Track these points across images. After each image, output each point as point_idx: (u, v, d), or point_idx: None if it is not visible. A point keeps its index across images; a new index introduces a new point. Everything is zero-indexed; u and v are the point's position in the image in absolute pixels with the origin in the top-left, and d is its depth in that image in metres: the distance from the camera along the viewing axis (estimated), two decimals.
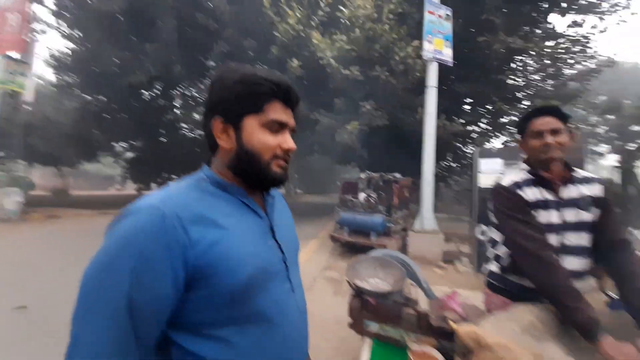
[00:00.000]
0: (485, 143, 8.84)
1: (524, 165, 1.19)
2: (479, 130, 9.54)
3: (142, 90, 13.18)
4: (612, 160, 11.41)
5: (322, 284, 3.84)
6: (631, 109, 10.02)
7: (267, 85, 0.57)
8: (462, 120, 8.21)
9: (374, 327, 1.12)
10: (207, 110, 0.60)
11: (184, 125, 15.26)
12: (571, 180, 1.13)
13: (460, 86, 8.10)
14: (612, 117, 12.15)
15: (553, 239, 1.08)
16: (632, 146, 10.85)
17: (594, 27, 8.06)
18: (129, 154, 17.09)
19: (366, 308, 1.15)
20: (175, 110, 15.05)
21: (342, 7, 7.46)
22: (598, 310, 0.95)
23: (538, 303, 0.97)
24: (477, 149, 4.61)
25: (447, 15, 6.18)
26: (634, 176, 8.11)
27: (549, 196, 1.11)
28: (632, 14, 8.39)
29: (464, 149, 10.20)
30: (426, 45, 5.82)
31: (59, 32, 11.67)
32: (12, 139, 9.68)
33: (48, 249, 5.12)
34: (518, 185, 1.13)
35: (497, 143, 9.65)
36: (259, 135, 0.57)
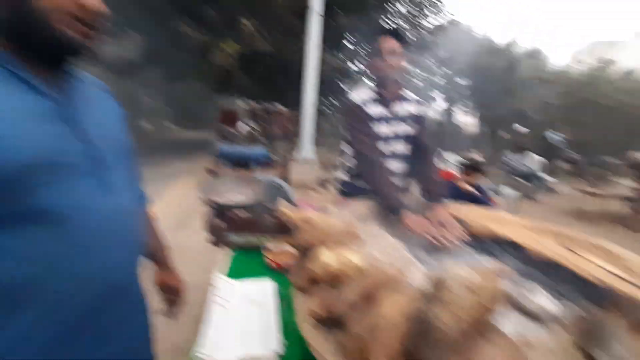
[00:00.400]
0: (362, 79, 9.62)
1: (370, 84, 1.37)
2: (356, 70, 10.17)
3: None
4: (441, 103, 14.97)
5: (198, 219, 3.61)
6: (459, 64, 13.00)
7: None
8: (342, 56, 8.47)
9: (233, 238, 1.15)
10: None
11: None
12: (402, 98, 1.35)
13: (342, 19, 8.08)
14: (446, 70, 15.41)
15: (384, 147, 1.31)
16: (454, 92, 14.41)
17: None
18: None
19: (225, 222, 1.16)
20: None
21: None
22: (410, 197, 1.37)
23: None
24: (351, 90, 4.95)
25: None
26: (452, 115, 10.95)
27: (385, 111, 1.32)
28: None
29: (346, 87, 10.81)
30: None
31: None
32: None
33: None
34: (364, 101, 1.31)
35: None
36: None
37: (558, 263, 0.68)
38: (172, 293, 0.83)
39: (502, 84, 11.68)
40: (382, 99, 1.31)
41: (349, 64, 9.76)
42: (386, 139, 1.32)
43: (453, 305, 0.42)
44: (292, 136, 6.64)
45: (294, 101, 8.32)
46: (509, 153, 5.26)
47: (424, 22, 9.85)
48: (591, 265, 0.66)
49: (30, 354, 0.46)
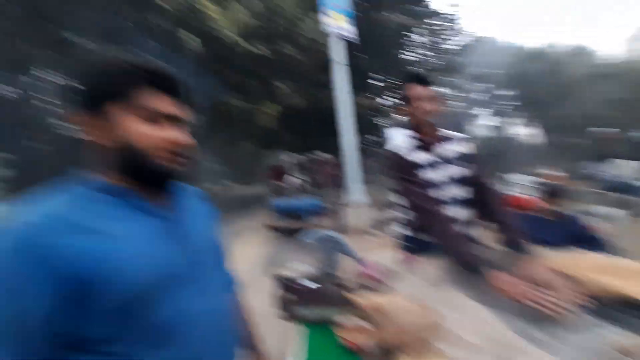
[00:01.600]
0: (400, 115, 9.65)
1: (406, 130, 1.30)
2: (390, 104, 10.29)
3: None
4: (485, 119, 14.10)
5: (263, 277, 3.70)
6: (495, 76, 12.46)
7: (131, 69, 0.51)
8: (370, 95, 8.71)
9: (304, 312, 1.11)
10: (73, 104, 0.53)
11: (56, 121, 12.09)
12: (444, 139, 1.27)
13: (364, 62, 8.48)
14: (481, 84, 14.81)
15: (436, 194, 1.20)
16: (501, 105, 13.58)
17: (454, 5, 9.37)
18: None
19: (294, 296, 1.14)
20: (38, 103, 11.71)
21: None
22: (489, 250, 1.15)
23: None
24: (390, 123, 4.99)
25: None
26: (504, 131, 10.17)
27: (428, 156, 1.23)
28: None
29: (383, 123, 10.92)
30: (325, 19, 5.74)
31: None
32: None
33: None
34: (401, 148, 1.24)
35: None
36: (136, 126, 0.51)
37: None
38: None
39: (551, 87, 10.77)
40: (423, 144, 1.24)
41: (379, 99, 9.95)
42: (438, 185, 1.21)
43: None
44: (339, 181, 6.75)
45: (336, 147, 8.63)
46: (588, 163, 4.52)
47: (446, 46, 9.82)
48: None
49: None
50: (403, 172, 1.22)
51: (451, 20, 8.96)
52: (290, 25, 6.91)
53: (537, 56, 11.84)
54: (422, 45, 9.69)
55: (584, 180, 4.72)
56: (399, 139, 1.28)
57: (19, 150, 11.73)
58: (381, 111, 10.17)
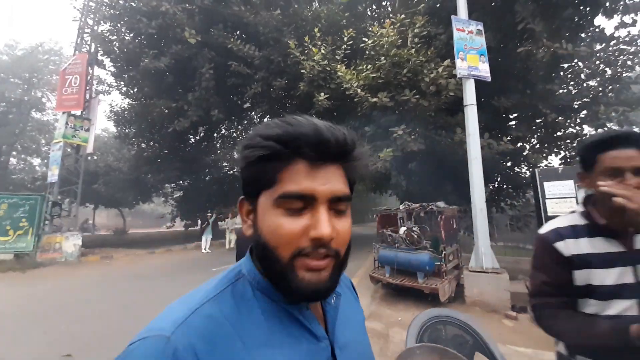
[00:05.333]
0: (542, 161, 7.81)
1: (579, 206, 0.96)
2: (529, 147, 8.56)
3: (189, 135, 14.52)
4: None
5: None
6: None
7: (268, 144, 0.39)
8: (508, 138, 7.42)
9: None
10: None
11: (224, 163, 16.26)
12: None
13: (503, 101, 7.45)
14: None
15: (626, 305, 0.83)
16: None
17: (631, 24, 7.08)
18: (177, 194, 18.70)
19: None
20: (217, 150, 16.23)
21: (365, 39, 7.51)
22: None
23: None
24: (538, 170, 3.97)
25: (478, 30, 5.86)
26: None
27: (614, 248, 0.86)
28: None
29: (516, 169, 9.19)
30: (459, 63, 5.50)
31: (118, 90, 13.52)
32: (74, 185, 10.96)
33: (96, 294, 5.32)
34: (559, 233, 0.92)
35: (555, 160, 8.48)
36: (270, 219, 0.39)
37: None
38: None
39: None
40: (605, 230, 0.87)
41: (520, 143, 8.34)
42: (627, 290, 0.83)
43: None
44: (459, 238, 5.76)
45: (458, 197, 7.62)
46: None
47: (628, 74, 7.40)
48: None
49: None
50: (542, 266, 0.95)
51: (635, 43, 6.80)
52: (413, 74, 6.98)
53: None
54: (591, 76, 7.67)
55: None
56: (559, 220, 0.97)
57: (197, 183, 16.40)
58: (521, 156, 8.46)
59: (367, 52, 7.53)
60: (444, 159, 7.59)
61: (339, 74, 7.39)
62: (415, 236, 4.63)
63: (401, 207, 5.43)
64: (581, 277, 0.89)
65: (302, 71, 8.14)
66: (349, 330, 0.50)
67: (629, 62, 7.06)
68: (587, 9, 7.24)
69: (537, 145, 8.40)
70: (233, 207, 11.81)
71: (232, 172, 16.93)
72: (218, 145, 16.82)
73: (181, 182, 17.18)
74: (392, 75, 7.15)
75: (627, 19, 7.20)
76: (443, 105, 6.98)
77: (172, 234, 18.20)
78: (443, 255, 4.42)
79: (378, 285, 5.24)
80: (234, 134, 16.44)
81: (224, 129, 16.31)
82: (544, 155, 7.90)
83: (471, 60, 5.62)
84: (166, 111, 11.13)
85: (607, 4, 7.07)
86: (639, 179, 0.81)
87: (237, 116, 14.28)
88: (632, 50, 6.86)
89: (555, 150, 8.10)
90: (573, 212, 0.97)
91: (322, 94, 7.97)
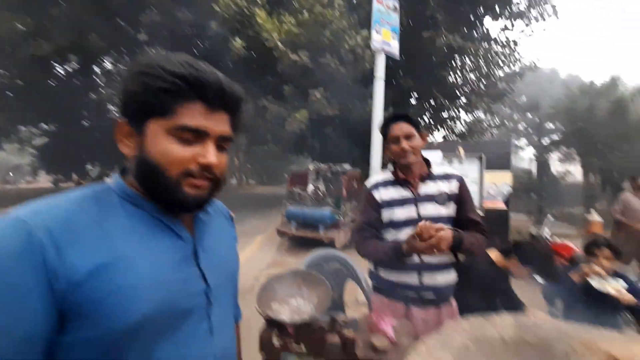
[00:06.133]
0: (429, 135, 9.33)
1: (390, 166, 1.32)
2: (422, 125, 10.03)
3: (54, 64, 11.07)
4: (530, 153, 13.09)
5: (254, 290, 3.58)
6: (547, 108, 11.55)
7: (173, 81, 0.43)
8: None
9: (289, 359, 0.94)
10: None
11: (112, 107, 13.37)
12: (429, 177, 1.24)
13: (407, 80, 8.33)
14: (530, 115, 13.87)
15: (410, 232, 1.14)
16: (546, 141, 12.55)
17: (522, 31, 8.94)
18: (40, 140, 14.53)
19: (282, 337, 0.95)
20: (101, 89, 13.07)
21: None
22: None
23: (470, 318, 0.83)
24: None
25: (395, 6, 6.16)
26: (547, 167, 9.31)
27: (406, 194, 1.23)
28: (544, 29, 9.52)
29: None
30: (375, 35, 5.73)
31: None
32: None
33: None
34: (376, 185, 1.28)
35: (438, 137, 10.23)
36: (163, 145, 0.45)
37: None
38: None
39: (610, 128, 9.71)
40: (401, 181, 1.25)
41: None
42: (406, 223, 1.21)
43: None
44: (359, 196, 6.53)
45: (364, 161, 8.45)
46: None
47: (498, 72, 9.34)
48: None
49: None
50: (364, 206, 1.28)
51: (509, 47, 8.47)
52: (335, 37, 6.98)
53: (598, 93, 10.78)
54: (473, 69, 9.28)
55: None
56: (378, 175, 1.34)
57: (73, 130, 13.09)
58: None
59: (292, 2, 7.09)
60: (355, 126, 8.18)
61: (259, 20, 6.77)
62: (321, 194, 5.02)
63: (310, 166, 5.72)
64: (386, 215, 1.23)
65: (214, 7, 7.09)
66: (216, 243, 0.56)
67: (500, 62, 8.79)
68: (480, 7, 8.46)
69: (427, 123, 9.89)
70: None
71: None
72: (103, 84, 13.56)
73: (45, 125, 13.40)
74: (315, 34, 7.00)
75: (509, 24, 8.83)
76: (359, 75, 7.33)
77: (35, 192, 14.29)
78: (342, 210, 4.97)
79: (285, 238, 5.57)
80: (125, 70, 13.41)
81: (111, 63, 13.12)
82: (431, 132, 9.44)
83: (385, 35, 5.96)
84: (21, 27, 8.16)
85: (496, 7, 8.42)
86: (409, 141, 1.17)
87: (128, 49, 11.56)
88: (507, 52, 8.51)
89: (439, 128, 9.76)
90: (388, 170, 1.32)
91: (238, 39, 7.20)
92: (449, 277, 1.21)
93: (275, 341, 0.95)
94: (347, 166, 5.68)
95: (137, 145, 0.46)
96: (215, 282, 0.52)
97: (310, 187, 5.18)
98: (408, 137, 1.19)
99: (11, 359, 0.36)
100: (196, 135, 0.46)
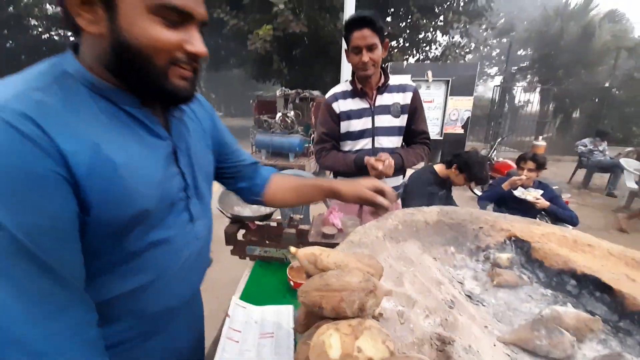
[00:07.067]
0: (404, 62, 8.92)
1: (349, 77, 1.32)
2: (397, 46, 9.43)
3: None
4: (498, 81, 13.26)
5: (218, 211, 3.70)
6: (522, 32, 11.25)
7: None
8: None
9: (255, 250, 1.09)
10: None
11: (34, 22, 10.91)
12: (386, 89, 1.26)
13: None
14: (505, 40, 13.54)
15: (365, 142, 1.28)
16: (514, 69, 12.62)
17: None
18: None
19: (246, 232, 1.10)
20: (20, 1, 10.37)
21: None
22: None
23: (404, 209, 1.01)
24: (389, 65, 4.54)
25: None
26: (512, 97, 9.63)
27: (363, 105, 1.26)
28: None
29: (382, 66, 10.22)
30: None
31: None
32: None
33: None
34: (335, 97, 1.28)
35: (412, 60, 9.82)
36: (146, 25, 0.38)
37: None
38: None
39: (574, 54, 9.84)
40: (359, 92, 1.25)
41: (394, 43, 9.06)
42: (367, 133, 1.27)
43: None
44: None
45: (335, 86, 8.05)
46: (586, 140, 4.39)
47: None
48: None
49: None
50: (322, 117, 1.29)
51: None
52: None
53: (570, 16, 10.52)
54: None
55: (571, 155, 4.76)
56: (337, 87, 1.32)
57: None
58: (388, 55, 9.36)
59: None
60: (327, 47, 7.51)
61: None
62: (289, 121, 4.88)
63: (278, 92, 5.40)
64: (344, 126, 1.27)
65: None
66: (193, 144, 0.55)
67: None
68: None
69: (402, 44, 9.32)
70: None
71: (52, 35, 11.73)
72: None
73: None
74: None
75: None
76: None
77: None
78: (312, 138, 4.94)
79: None
80: None
81: None
82: (406, 58, 9.00)
83: None
84: None
85: None
86: (370, 53, 1.12)
87: None
88: None
89: (415, 51, 9.30)
90: (347, 81, 1.31)
91: None
92: (397, 181, 1.39)
93: (240, 236, 1.08)
94: (316, 92, 5.42)
95: (107, 22, 0.38)
96: (194, 182, 0.54)
97: (278, 114, 4.98)
98: (370, 47, 1.14)
99: (55, 257, 0.36)
100: (182, 18, 0.41)
